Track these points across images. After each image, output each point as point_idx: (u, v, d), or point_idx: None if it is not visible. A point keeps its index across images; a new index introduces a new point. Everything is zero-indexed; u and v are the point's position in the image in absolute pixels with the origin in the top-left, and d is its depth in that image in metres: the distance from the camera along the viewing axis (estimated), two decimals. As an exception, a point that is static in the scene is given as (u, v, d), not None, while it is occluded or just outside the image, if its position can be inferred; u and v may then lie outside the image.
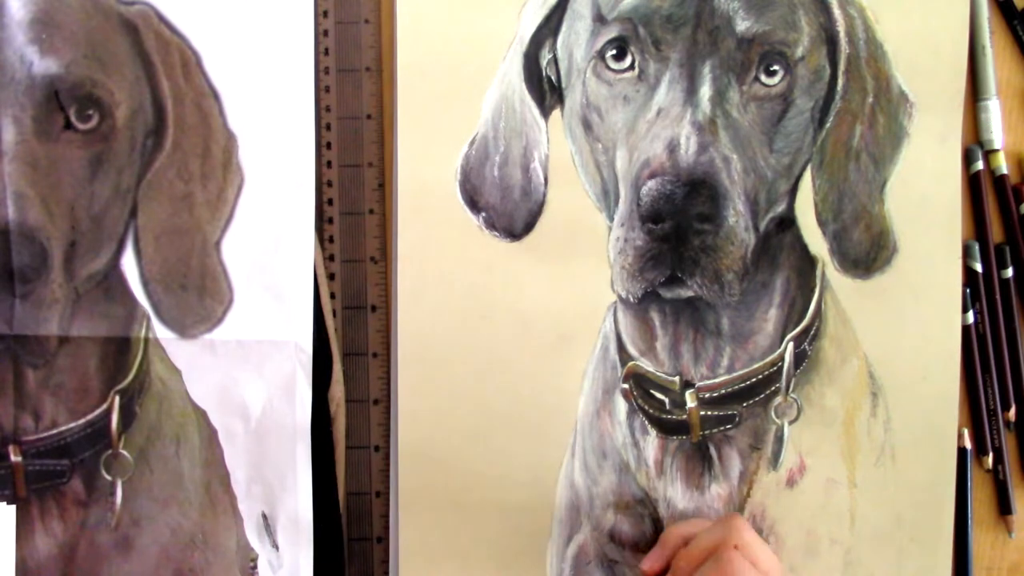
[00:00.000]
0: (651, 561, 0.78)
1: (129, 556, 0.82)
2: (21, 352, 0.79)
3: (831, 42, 0.81)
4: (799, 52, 0.79)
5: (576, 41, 0.82)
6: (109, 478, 0.81)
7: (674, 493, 0.83)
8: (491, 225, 0.83)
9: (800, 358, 0.83)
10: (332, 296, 0.85)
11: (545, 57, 0.83)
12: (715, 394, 0.83)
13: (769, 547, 0.75)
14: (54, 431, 0.80)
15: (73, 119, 0.78)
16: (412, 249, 0.83)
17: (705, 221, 0.76)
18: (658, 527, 0.83)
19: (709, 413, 0.83)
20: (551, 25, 0.83)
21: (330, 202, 0.85)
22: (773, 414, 0.83)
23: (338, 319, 0.85)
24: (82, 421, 0.81)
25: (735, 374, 0.83)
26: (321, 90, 0.85)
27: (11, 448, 0.80)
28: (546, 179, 0.83)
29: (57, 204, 0.78)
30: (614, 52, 0.80)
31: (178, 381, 0.82)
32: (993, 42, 0.86)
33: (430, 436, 0.83)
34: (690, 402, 0.82)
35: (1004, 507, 0.87)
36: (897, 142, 0.83)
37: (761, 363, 0.83)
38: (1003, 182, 0.87)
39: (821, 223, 0.82)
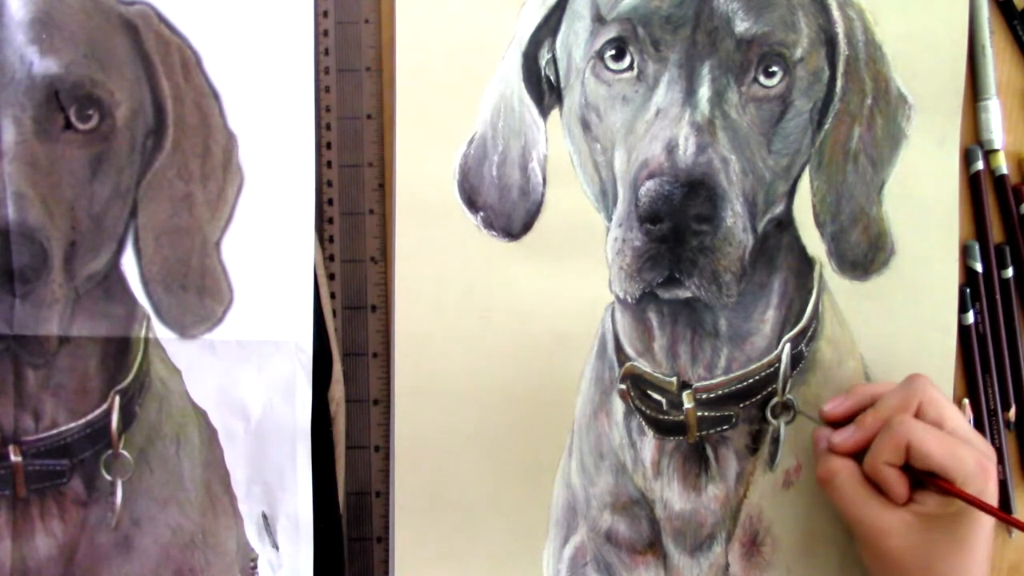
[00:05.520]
0: (833, 405, 0.79)
1: (129, 556, 0.82)
2: (21, 352, 0.80)
3: (830, 44, 0.81)
4: (798, 53, 0.79)
5: (575, 41, 0.82)
6: (109, 478, 0.81)
7: (671, 494, 0.83)
8: (489, 225, 0.83)
9: (797, 359, 0.83)
10: (332, 296, 0.85)
11: (544, 57, 0.83)
12: (712, 395, 0.83)
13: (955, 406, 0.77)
14: (54, 431, 0.80)
15: (73, 119, 0.78)
16: (410, 248, 0.83)
17: (703, 222, 0.76)
18: (655, 528, 0.84)
19: (706, 414, 0.83)
20: (550, 25, 0.83)
21: (330, 202, 0.85)
22: (770, 415, 0.83)
23: (338, 319, 0.85)
24: (82, 421, 0.81)
25: (732, 375, 0.83)
26: (321, 90, 0.85)
27: (11, 448, 0.80)
28: (544, 179, 0.83)
29: (57, 204, 0.78)
30: (613, 52, 0.80)
31: (178, 381, 0.82)
32: (993, 42, 0.86)
33: (427, 436, 0.83)
34: (687, 403, 0.82)
35: (1004, 507, 0.87)
36: (895, 144, 0.83)
37: (758, 364, 0.83)
38: (1003, 182, 0.87)
39: (819, 224, 0.82)
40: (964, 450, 0.73)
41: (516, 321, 0.83)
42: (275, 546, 0.83)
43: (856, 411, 0.78)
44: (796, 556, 0.84)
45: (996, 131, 0.86)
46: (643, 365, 0.83)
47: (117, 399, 0.81)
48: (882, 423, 0.75)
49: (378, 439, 0.85)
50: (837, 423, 0.79)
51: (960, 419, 0.76)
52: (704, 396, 0.83)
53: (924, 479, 0.74)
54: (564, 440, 0.84)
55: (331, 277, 0.85)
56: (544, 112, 0.83)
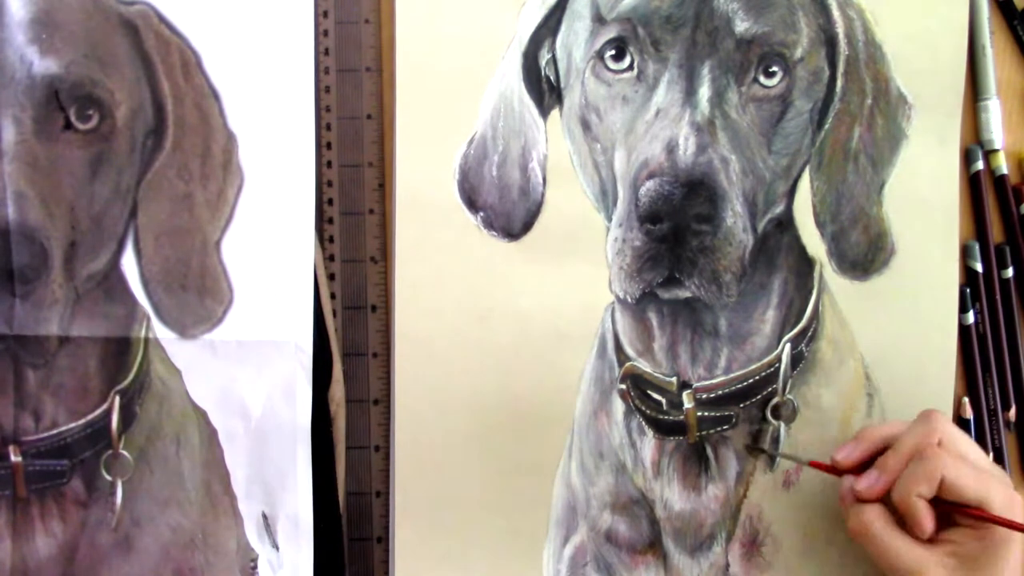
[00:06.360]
0: (846, 452, 0.77)
1: (129, 556, 0.82)
2: (21, 352, 0.79)
3: (830, 44, 0.81)
4: (798, 53, 0.79)
5: (575, 41, 0.82)
6: (109, 478, 0.81)
7: (671, 494, 0.83)
8: (489, 225, 0.83)
9: (797, 359, 0.83)
10: (332, 296, 0.85)
11: (544, 57, 0.83)
12: (712, 395, 0.83)
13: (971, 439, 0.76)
14: (54, 431, 0.80)
15: (73, 119, 0.78)
16: (410, 249, 0.83)
17: (703, 222, 0.76)
18: (655, 528, 0.84)
19: (706, 414, 0.83)
20: (550, 25, 0.83)
21: (330, 202, 0.85)
22: (770, 415, 0.83)
23: (338, 319, 0.85)
24: (82, 421, 0.81)
25: (732, 375, 0.83)
26: (321, 90, 0.85)
27: (11, 448, 0.80)
28: (544, 179, 0.83)
29: (57, 204, 0.78)
30: (613, 52, 0.80)
31: (178, 381, 0.82)
32: (993, 42, 0.86)
33: (427, 436, 0.83)
34: (687, 403, 0.82)
35: (1003, 507, 0.87)
36: (895, 144, 0.83)
37: (758, 364, 0.83)
38: (1003, 182, 0.87)
39: (819, 224, 0.82)
40: (994, 484, 0.73)
41: (516, 321, 0.83)
42: (275, 546, 0.83)
43: (868, 457, 0.76)
44: (796, 556, 0.84)
45: (996, 131, 0.86)
46: (643, 365, 0.83)
47: (117, 399, 0.81)
48: (905, 463, 0.73)
49: (378, 439, 0.85)
50: (844, 470, 0.77)
51: (980, 454, 0.75)
52: (704, 396, 0.83)
53: (955, 511, 0.72)
54: (564, 440, 0.84)
55: (331, 277, 0.85)
56: (544, 112, 0.83)
